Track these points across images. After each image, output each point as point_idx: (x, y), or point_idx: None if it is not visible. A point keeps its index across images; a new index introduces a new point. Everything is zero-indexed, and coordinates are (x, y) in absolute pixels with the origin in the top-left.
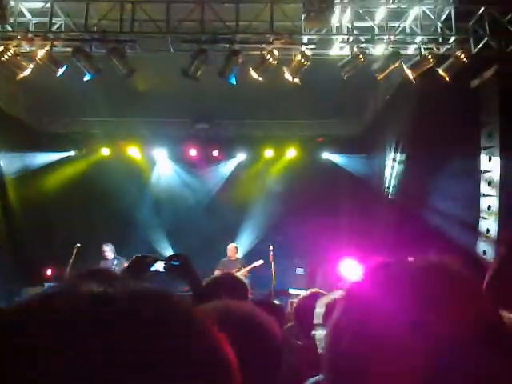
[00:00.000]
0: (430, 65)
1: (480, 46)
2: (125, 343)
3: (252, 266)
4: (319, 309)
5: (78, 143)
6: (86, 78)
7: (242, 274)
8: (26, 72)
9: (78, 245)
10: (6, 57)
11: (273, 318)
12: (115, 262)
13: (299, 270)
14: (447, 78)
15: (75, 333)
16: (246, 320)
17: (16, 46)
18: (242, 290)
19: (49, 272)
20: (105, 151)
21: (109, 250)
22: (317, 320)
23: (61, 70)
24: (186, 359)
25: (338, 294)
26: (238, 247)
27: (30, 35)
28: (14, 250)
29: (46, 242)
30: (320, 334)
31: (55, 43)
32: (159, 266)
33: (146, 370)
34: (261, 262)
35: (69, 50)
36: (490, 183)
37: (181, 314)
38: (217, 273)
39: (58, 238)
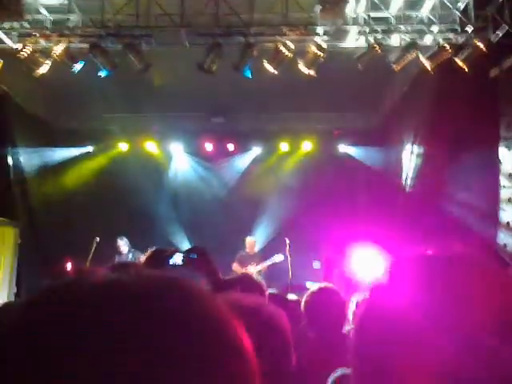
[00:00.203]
0: (448, 55)
1: (500, 34)
2: (133, 329)
3: (272, 261)
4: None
5: (96, 139)
6: (103, 73)
7: (261, 268)
8: (44, 69)
9: (97, 239)
10: (23, 54)
11: (283, 312)
12: (130, 256)
13: (316, 264)
14: (466, 68)
15: (80, 322)
16: (256, 312)
17: (33, 43)
18: (259, 289)
19: (69, 266)
20: (122, 146)
21: (123, 244)
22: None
23: (78, 67)
24: (200, 347)
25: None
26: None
27: (47, 32)
28: (35, 245)
29: (65, 237)
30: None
31: (72, 39)
32: (177, 258)
33: (154, 358)
34: (281, 257)
35: (85, 46)
36: (510, 175)
37: (197, 301)
38: (234, 266)
39: (77, 233)
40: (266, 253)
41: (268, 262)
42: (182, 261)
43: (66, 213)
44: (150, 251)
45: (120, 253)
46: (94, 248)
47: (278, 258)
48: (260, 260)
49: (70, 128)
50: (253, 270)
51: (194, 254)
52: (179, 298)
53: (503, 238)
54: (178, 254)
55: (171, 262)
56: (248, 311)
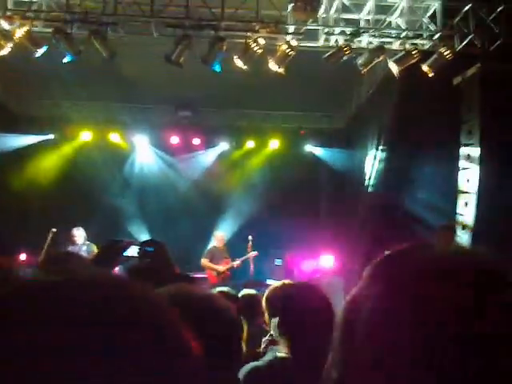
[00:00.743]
0: (415, 60)
1: (464, 43)
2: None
3: (246, 256)
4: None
5: (58, 127)
6: (66, 59)
7: (235, 265)
8: (4, 51)
9: (54, 230)
10: None
11: (232, 305)
12: (84, 248)
13: (278, 262)
14: (430, 74)
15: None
16: (206, 303)
17: None
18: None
19: (23, 257)
20: (85, 136)
21: (79, 235)
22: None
23: (40, 51)
24: (148, 355)
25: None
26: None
27: (8, 13)
28: None
29: (23, 227)
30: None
31: (35, 23)
32: (133, 251)
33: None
34: (255, 253)
35: (49, 30)
36: (468, 180)
37: (147, 308)
38: (204, 261)
39: (35, 223)
40: (228, 248)
41: (242, 258)
42: (138, 253)
43: (24, 202)
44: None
45: (74, 243)
46: (49, 239)
47: (252, 253)
48: (229, 255)
49: (31, 114)
50: (227, 266)
51: (150, 246)
52: (127, 305)
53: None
54: (133, 246)
55: (126, 254)
56: (197, 301)
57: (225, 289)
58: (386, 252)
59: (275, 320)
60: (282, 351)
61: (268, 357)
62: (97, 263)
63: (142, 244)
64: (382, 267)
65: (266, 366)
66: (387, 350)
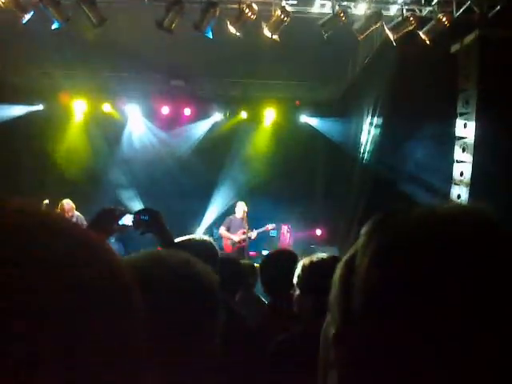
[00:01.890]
0: (412, 27)
1: (462, 9)
2: None
3: (263, 229)
4: (298, 270)
5: (48, 97)
6: (54, 26)
7: (253, 236)
8: None
9: (46, 201)
10: None
11: (213, 272)
12: (74, 220)
13: (272, 233)
14: (428, 42)
15: None
16: (180, 267)
17: None
18: (212, 252)
19: None
20: (75, 105)
21: (68, 207)
22: (295, 280)
23: (27, 17)
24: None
25: (317, 256)
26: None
27: None
28: None
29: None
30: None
31: None
32: (128, 219)
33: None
34: (273, 225)
35: None
36: (463, 150)
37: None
38: (220, 230)
39: (26, 195)
40: (223, 219)
41: (259, 230)
42: (133, 222)
43: (14, 174)
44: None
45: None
46: None
47: (270, 226)
48: (248, 225)
49: (18, 83)
50: (242, 237)
51: (145, 215)
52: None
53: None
54: (128, 215)
55: (121, 222)
56: (171, 267)
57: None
58: (380, 213)
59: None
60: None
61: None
62: (91, 229)
63: (137, 213)
64: (377, 225)
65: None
66: (385, 303)
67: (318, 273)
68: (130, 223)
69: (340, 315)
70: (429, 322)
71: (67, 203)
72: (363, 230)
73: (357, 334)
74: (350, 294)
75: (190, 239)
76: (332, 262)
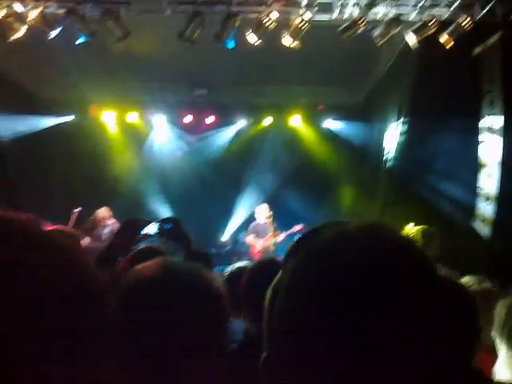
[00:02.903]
0: (432, 30)
1: (484, 11)
2: None
3: (290, 230)
4: None
5: (77, 108)
6: (80, 40)
7: (280, 239)
8: (19, 34)
9: (77, 210)
10: None
11: (219, 281)
12: (106, 230)
13: (298, 236)
14: (449, 45)
15: None
16: (189, 277)
17: (7, 7)
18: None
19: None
20: (105, 116)
21: (105, 214)
22: None
23: (54, 33)
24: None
25: None
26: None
27: None
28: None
29: (46, 208)
30: None
31: (48, 4)
32: (151, 228)
33: None
34: (300, 226)
35: (62, 11)
36: (489, 152)
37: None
38: (246, 238)
39: (57, 204)
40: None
41: (286, 233)
42: (156, 231)
43: (45, 183)
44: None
45: (99, 223)
46: (74, 218)
47: (297, 227)
48: (275, 230)
49: (50, 96)
50: (271, 241)
51: (167, 224)
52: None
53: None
54: (151, 224)
55: (144, 231)
56: (183, 276)
57: (243, 263)
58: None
59: None
60: None
61: None
62: (116, 240)
63: (160, 222)
64: (292, 248)
65: None
66: (296, 323)
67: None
68: (154, 232)
69: (266, 339)
70: (337, 336)
71: (104, 210)
72: (286, 251)
73: (279, 358)
74: (272, 317)
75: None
76: None
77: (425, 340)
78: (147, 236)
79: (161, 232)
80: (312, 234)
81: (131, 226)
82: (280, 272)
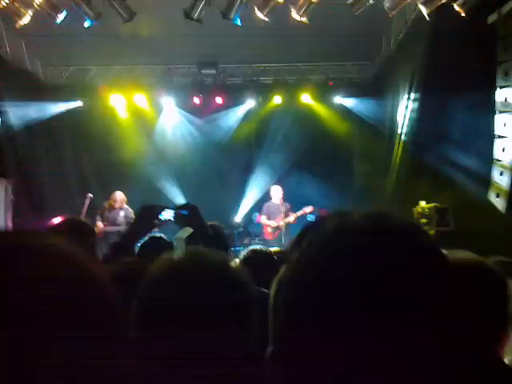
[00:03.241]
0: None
1: None
2: None
3: (301, 212)
4: None
5: (85, 93)
6: (87, 24)
7: (291, 220)
8: (26, 20)
9: (90, 195)
10: (3, 3)
11: (246, 271)
12: (121, 214)
13: (310, 217)
14: (463, 13)
15: None
16: (218, 267)
17: None
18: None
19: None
20: (113, 100)
21: (120, 199)
22: None
23: (60, 17)
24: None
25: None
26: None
27: None
28: (28, 202)
29: (58, 193)
30: None
31: None
32: (168, 215)
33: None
34: (310, 208)
35: None
36: (505, 124)
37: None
38: (261, 218)
39: (70, 189)
40: (261, 204)
41: (297, 214)
42: (173, 217)
43: (57, 168)
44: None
45: (113, 207)
46: (87, 204)
47: (307, 208)
48: (287, 210)
49: (57, 82)
50: (282, 222)
51: (184, 210)
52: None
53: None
54: (168, 210)
55: (161, 217)
56: (212, 267)
57: (257, 247)
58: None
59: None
60: None
61: None
62: (134, 227)
63: (177, 208)
64: (298, 238)
65: None
66: (297, 317)
67: None
68: (170, 218)
69: (272, 332)
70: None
71: (119, 195)
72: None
73: (284, 351)
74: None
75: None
76: None
77: (443, 332)
78: (164, 222)
79: (177, 218)
80: (316, 224)
81: (147, 211)
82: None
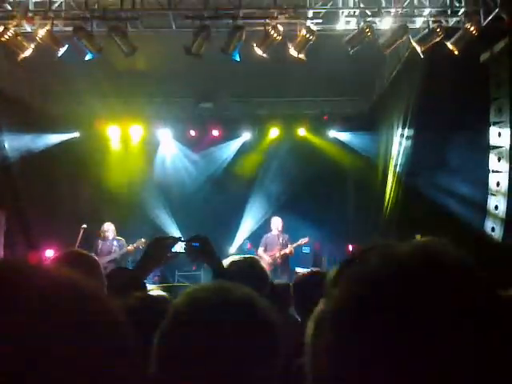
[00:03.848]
0: (439, 38)
1: (490, 18)
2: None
3: (297, 243)
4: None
5: (83, 124)
6: (88, 57)
7: (287, 251)
8: (27, 52)
9: (84, 226)
10: (6, 37)
11: (273, 306)
12: (115, 244)
13: (305, 249)
14: (456, 52)
15: None
16: (244, 305)
17: (16, 26)
18: (262, 276)
19: (50, 253)
20: (109, 132)
21: (110, 230)
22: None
23: (62, 50)
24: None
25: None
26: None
27: (30, 14)
28: (22, 231)
29: (52, 223)
30: None
31: (56, 22)
32: (179, 247)
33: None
34: (306, 239)
35: (69, 29)
36: (499, 159)
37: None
38: (258, 251)
39: (64, 220)
40: (257, 236)
41: (293, 245)
42: (184, 249)
43: (52, 199)
44: (151, 239)
45: (105, 238)
46: (81, 235)
47: (303, 239)
48: (286, 240)
49: (56, 113)
50: (278, 254)
51: (196, 242)
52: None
53: (490, 223)
54: (180, 242)
55: (173, 250)
56: (237, 304)
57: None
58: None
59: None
60: None
61: None
62: (146, 259)
63: (188, 240)
64: (336, 275)
65: None
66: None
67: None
68: (181, 250)
69: (311, 378)
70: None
71: (109, 225)
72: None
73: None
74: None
75: (235, 262)
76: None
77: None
78: (177, 254)
79: (188, 250)
80: (355, 260)
81: (159, 244)
82: (321, 302)
